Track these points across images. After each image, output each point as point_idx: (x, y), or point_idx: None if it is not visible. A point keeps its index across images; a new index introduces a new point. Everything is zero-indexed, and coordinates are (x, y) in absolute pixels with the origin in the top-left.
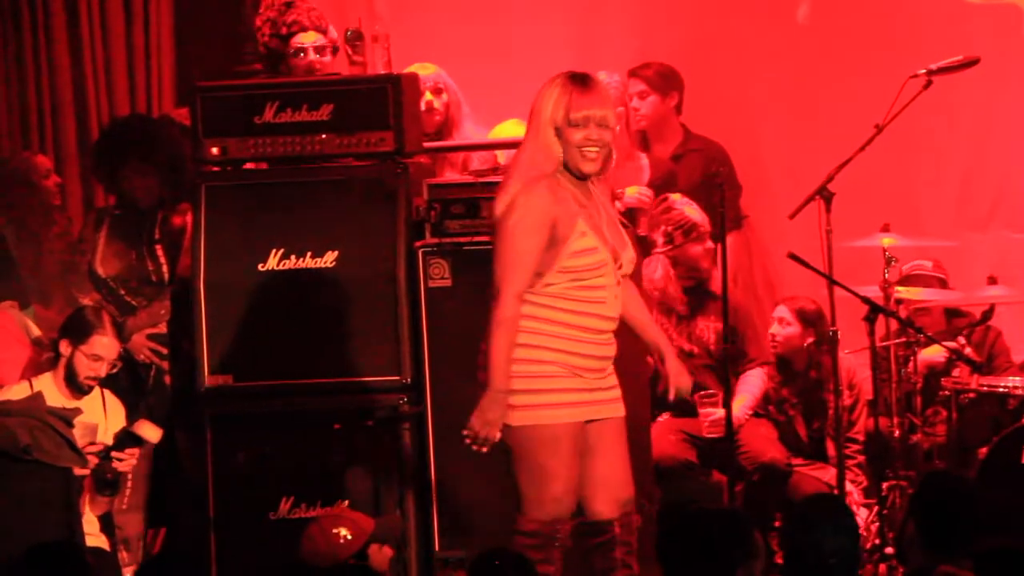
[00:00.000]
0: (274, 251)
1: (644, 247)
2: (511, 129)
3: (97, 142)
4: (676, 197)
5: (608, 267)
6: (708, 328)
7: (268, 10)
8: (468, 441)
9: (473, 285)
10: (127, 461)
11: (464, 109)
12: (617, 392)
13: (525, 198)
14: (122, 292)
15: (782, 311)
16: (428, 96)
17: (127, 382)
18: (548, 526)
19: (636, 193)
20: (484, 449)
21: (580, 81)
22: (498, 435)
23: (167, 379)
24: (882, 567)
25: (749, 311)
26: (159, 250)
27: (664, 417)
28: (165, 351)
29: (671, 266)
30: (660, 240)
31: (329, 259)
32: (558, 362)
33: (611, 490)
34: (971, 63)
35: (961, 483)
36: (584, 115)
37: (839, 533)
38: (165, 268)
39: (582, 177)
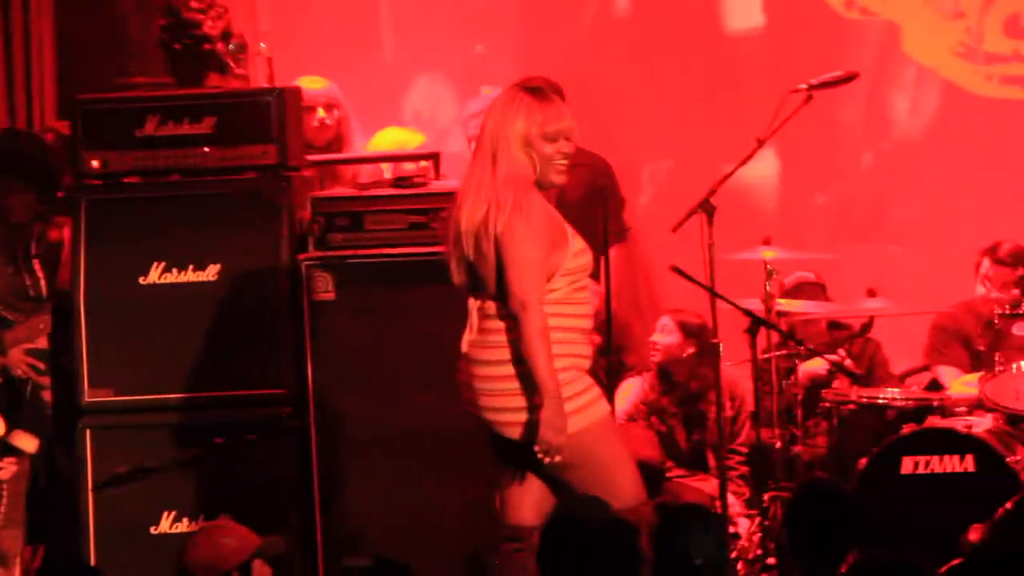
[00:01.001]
0: (156, 264)
1: None
2: (392, 135)
3: None
4: None
5: None
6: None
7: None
8: (542, 455)
9: (357, 298)
10: (4, 470)
11: (353, 124)
12: None
13: (527, 206)
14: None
15: (665, 320)
16: (320, 112)
17: (4, 397)
18: (634, 512)
19: None
20: (558, 458)
21: (543, 95)
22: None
23: (45, 394)
24: None
25: (628, 323)
26: (36, 265)
27: None
28: (43, 366)
29: None
30: None
31: (211, 272)
32: (573, 367)
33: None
34: (850, 78)
35: (835, 491)
36: (556, 128)
37: (706, 535)
38: (43, 283)
39: (547, 189)
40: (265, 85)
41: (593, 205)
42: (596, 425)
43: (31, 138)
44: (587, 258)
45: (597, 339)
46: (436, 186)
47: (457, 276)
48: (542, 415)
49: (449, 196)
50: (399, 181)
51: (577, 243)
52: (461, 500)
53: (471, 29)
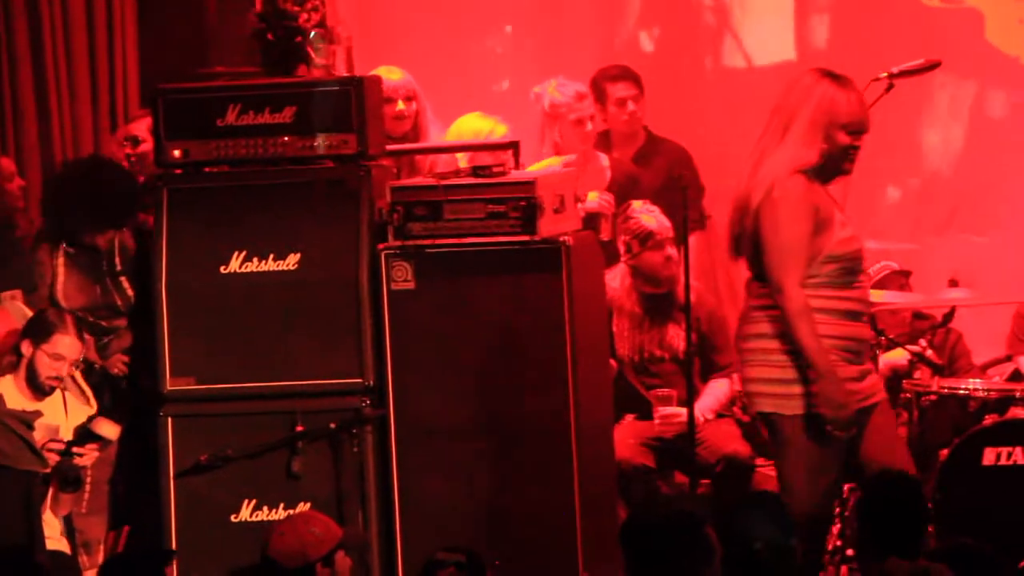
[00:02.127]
0: (236, 253)
1: (608, 253)
2: (471, 123)
3: (45, 190)
4: (636, 205)
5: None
6: (679, 336)
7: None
8: (833, 431)
9: (436, 288)
10: (87, 456)
11: (430, 116)
12: None
13: (789, 188)
14: (91, 319)
15: None
16: (400, 105)
17: (103, 392)
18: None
19: (597, 198)
20: (853, 431)
21: (846, 84)
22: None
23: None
24: (843, 569)
25: (723, 319)
26: (124, 281)
27: (627, 420)
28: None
29: (630, 275)
30: (622, 249)
31: (291, 262)
32: (841, 350)
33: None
34: (932, 66)
35: (906, 481)
36: (856, 120)
37: (769, 522)
38: (134, 298)
39: (833, 179)
40: (345, 74)
41: (671, 194)
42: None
43: (109, 174)
44: (856, 246)
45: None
46: (515, 175)
47: (735, 248)
48: (818, 392)
49: (528, 185)
50: (478, 170)
51: (846, 230)
52: (538, 492)
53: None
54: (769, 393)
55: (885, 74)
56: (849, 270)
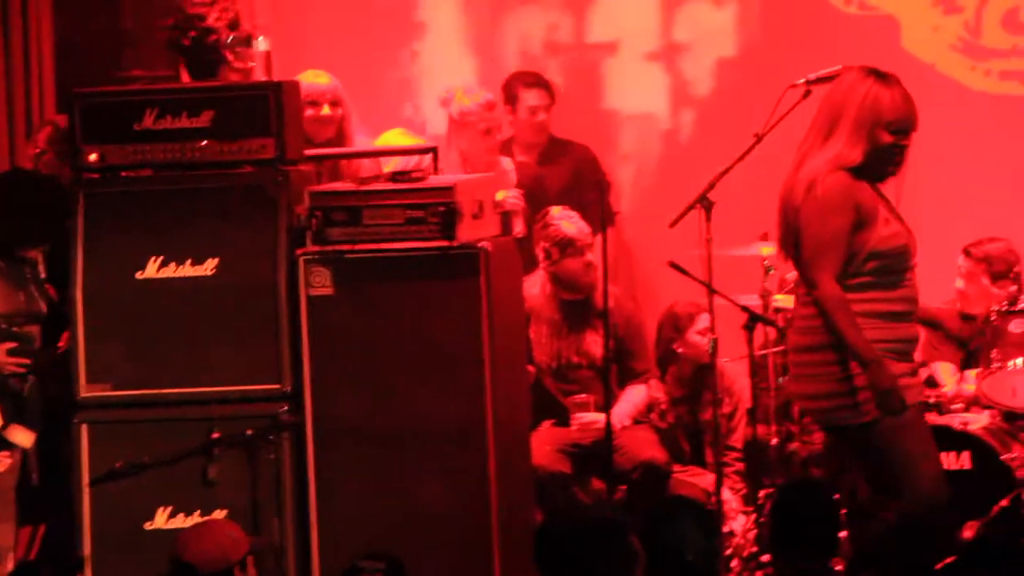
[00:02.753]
0: (153, 259)
1: (523, 250)
2: (395, 139)
3: None
4: (555, 211)
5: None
6: (596, 342)
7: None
8: (884, 414)
9: (354, 293)
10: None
11: (354, 121)
12: None
13: (828, 185)
14: (9, 327)
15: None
16: (326, 109)
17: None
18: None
19: (506, 196)
20: (907, 411)
21: (892, 84)
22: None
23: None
24: (759, 574)
25: (640, 325)
26: (50, 290)
27: (545, 426)
28: (27, 361)
29: (549, 282)
30: (541, 256)
31: (209, 267)
32: (884, 352)
33: None
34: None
35: (816, 486)
36: (901, 120)
37: (696, 529)
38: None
39: (881, 178)
40: (264, 79)
41: (579, 194)
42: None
43: (31, 184)
44: (900, 241)
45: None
46: (434, 181)
47: (783, 249)
48: (869, 380)
49: (447, 191)
50: (397, 176)
51: (890, 228)
52: (455, 498)
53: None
54: (841, 406)
55: (803, 80)
56: (894, 268)
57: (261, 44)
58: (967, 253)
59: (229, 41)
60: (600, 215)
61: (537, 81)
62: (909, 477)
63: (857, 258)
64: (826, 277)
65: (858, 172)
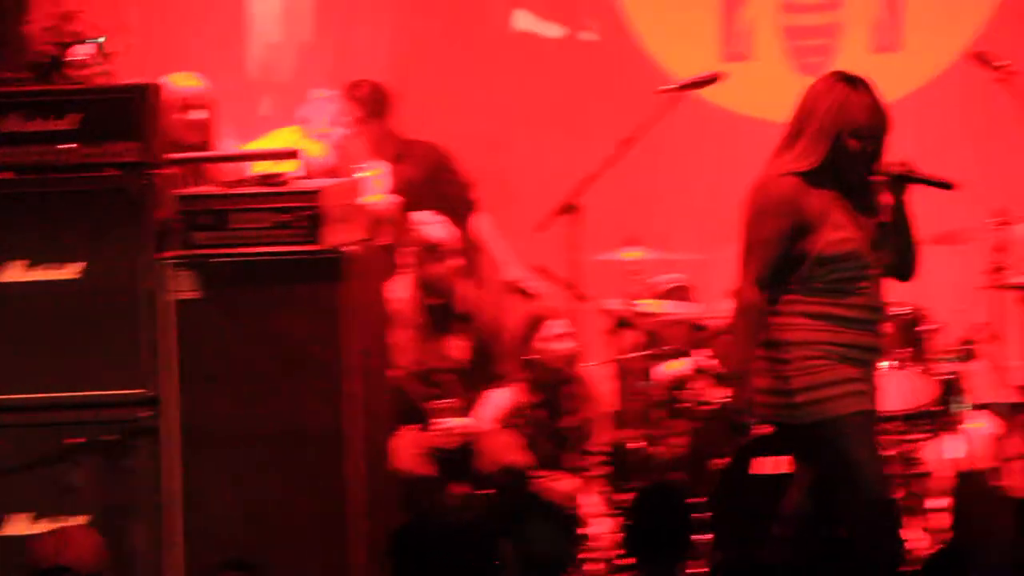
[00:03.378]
0: (16, 262)
1: (391, 256)
2: (287, 137)
3: None
4: (421, 216)
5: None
6: (458, 345)
7: (45, 19)
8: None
9: (220, 297)
10: None
11: (223, 125)
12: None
13: (766, 189)
14: None
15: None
16: (196, 113)
17: None
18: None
19: (383, 200)
20: (743, 435)
21: (859, 88)
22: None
23: None
24: None
25: (501, 327)
26: None
27: (408, 430)
28: None
29: (414, 286)
30: (406, 260)
31: (73, 270)
32: (828, 356)
33: None
34: (714, 79)
35: (670, 489)
36: (870, 127)
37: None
38: None
39: (846, 181)
40: (130, 82)
41: (433, 188)
42: (838, 420)
43: None
44: (847, 248)
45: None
46: (300, 185)
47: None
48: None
49: (313, 195)
50: (264, 179)
51: (839, 233)
52: (317, 501)
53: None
54: (782, 404)
55: (671, 86)
56: (845, 274)
57: (127, 46)
58: None
59: (99, 43)
60: (453, 210)
61: (347, 93)
62: (850, 482)
63: (806, 262)
64: (746, 278)
65: (814, 176)
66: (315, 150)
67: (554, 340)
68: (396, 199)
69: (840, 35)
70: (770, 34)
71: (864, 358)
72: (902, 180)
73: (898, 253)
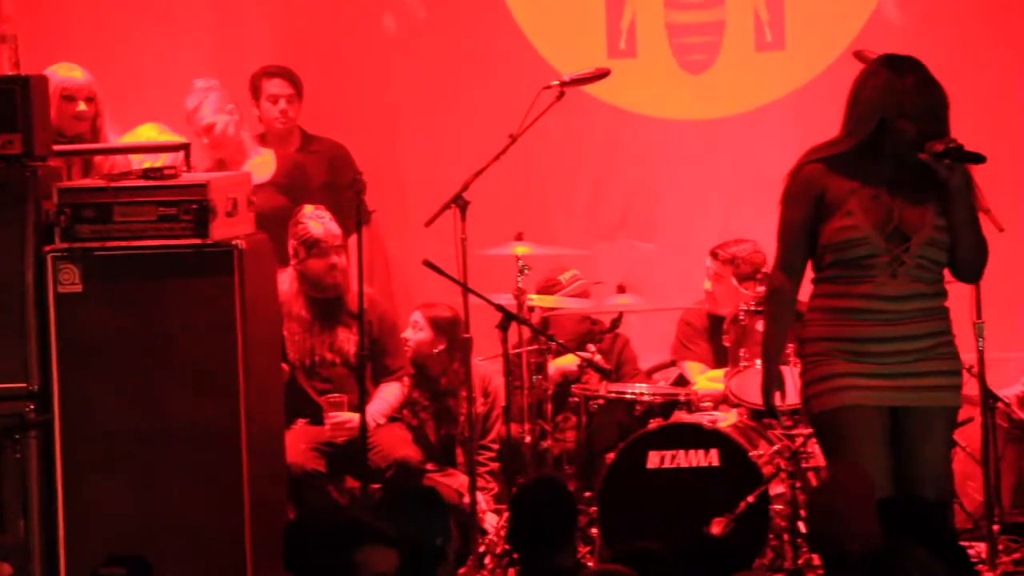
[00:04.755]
0: None
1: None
2: (147, 133)
3: None
4: (307, 210)
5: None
6: (350, 340)
7: None
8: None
9: (105, 291)
10: None
11: (106, 117)
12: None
13: (795, 171)
14: None
15: (416, 316)
16: (81, 105)
17: None
18: None
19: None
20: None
21: (911, 74)
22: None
23: None
24: (510, 571)
25: (394, 323)
26: None
27: (299, 424)
28: None
29: (297, 280)
30: (290, 253)
31: None
32: (830, 351)
33: None
34: (602, 75)
35: (553, 481)
36: (916, 109)
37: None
38: None
39: (904, 167)
40: (11, 73)
41: (332, 192)
42: (828, 414)
43: None
44: (852, 235)
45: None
46: (187, 178)
47: None
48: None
49: (201, 188)
50: (149, 173)
51: (847, 220)
52: (208, 496)
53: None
54: (804, 396)
55: (556, 82)
56: (851, 263)
57: (8, 38)
58: (714, 255)
59: None
60: (352, 217)
61: (279, 71)
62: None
63: (820, 251)
64: (775, 263)
65: (845, 162)
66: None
67: (420, 331)
68: (284, 187)
69: (723, 33)
70: (654, 31)
71: (864, 350)
72: (941, 157)
73: (957, 249)
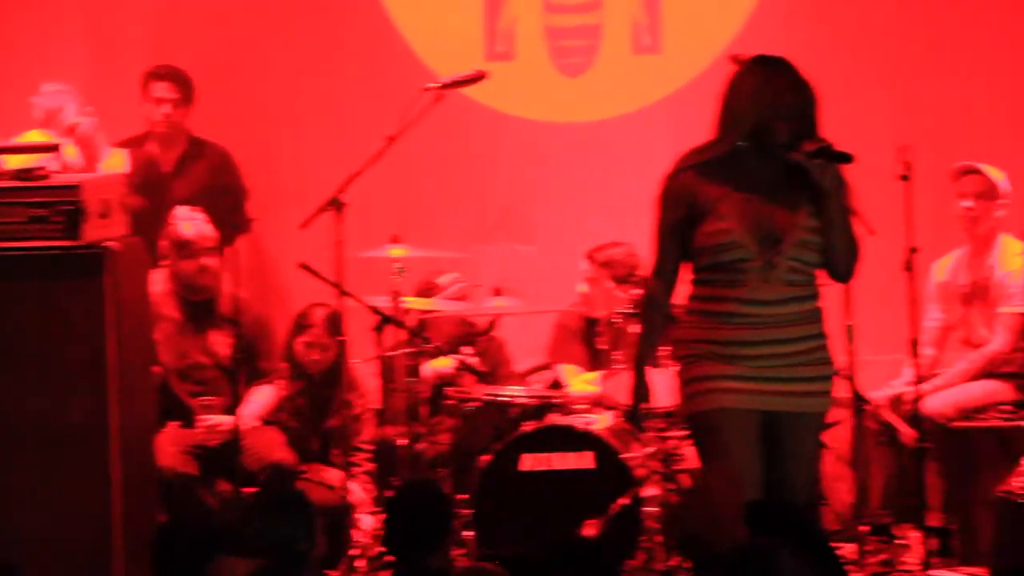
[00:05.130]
0: None
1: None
2: (32, 139)
3: None
4: (180, 211)
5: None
6: (222, 342)
7: None
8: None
9: None
10: None
11: None
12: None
13: (670, 173)
14: None
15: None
16: None
17: None
18: None
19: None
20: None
21: (781, 73)
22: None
23: None
24: (385, 573)
25: (267, 325)
26: None
27: (170, 427)
28: None
29: (169, 280)
30: (161, 254)
31: None
32: (700, 353)
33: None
34: (480, 78)
35: (427, 484)
36: (789, 109)
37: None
38: None
39: (779, 167)
40: None
41: (212, 198)
42: (699, 416)
43: None
44: (722, 239)
45: None
46: (59, 179)
47: None
48: None
49: (73, 190)
50: (20, 173)
51: (719, 224)
52: (78, 500)
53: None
54: (687, 395)
55: (434, 84)
56: (723, 266)
57: None
58: (590, 258)
59: None
60: (225, 224)
61: (167, 74)
62: (704, 476)
63: (695, 254)
64: (651, 269)
65: (716, 166)
66: (69, 151)
67: (320, 337)
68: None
69: (601, 36)
70: (533, 34)
71: (735, 353)
72: (813, 157)
73: (829, 250)
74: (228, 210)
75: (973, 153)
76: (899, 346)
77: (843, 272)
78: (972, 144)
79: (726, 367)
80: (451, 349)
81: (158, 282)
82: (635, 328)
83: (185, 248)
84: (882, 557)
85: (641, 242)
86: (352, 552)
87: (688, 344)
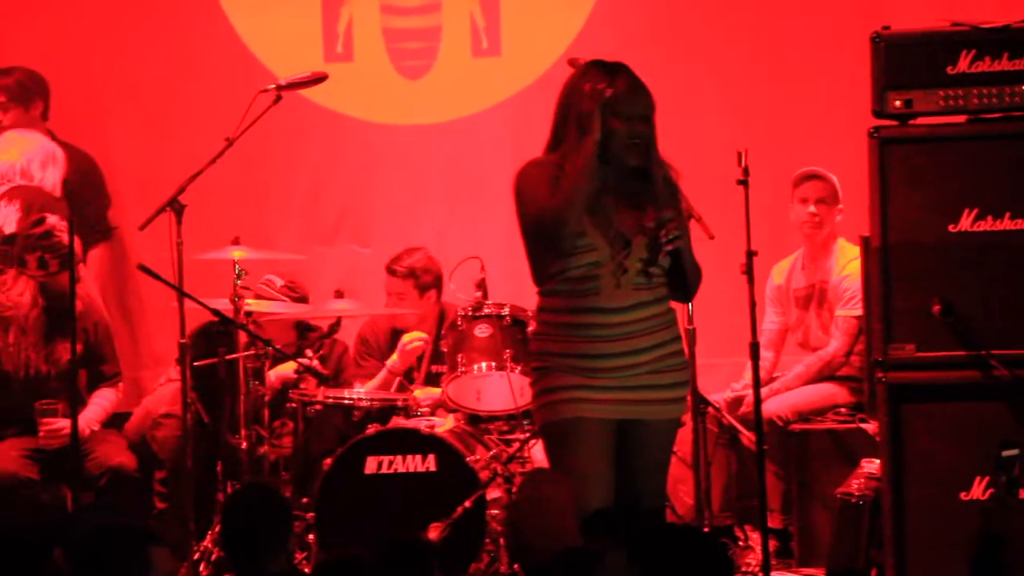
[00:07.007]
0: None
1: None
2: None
3: None
4: (55, 222)
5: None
6: (65, 347)
7: None
8: None
9: None
10: None
11: None
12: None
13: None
14: None
15: None
16: None
17: None
18: None
19: None
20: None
21: (624, 78)
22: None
23: None
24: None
25: (109, 329)
26: None
27: (11, 433)
28: None
29: (39, 292)
30: (33, 264)
31: None
32: (557, 365)
33: None
34: (319, 79)
35: (264, 488)
36: (626, 110)
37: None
38: None
39: (620, 171)
40: None
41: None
42: (555, 425)
43: None
44: (579, 241)
45: None
46: None
47: None
48: None
49: None
50: None
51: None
52: None
53: None
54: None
55: (273, 86)
56: (578, 272)
57: None
58: (391, 272)
59: None
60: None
61: None
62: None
63: (545, 263)
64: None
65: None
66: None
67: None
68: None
69: (440, 39)
70: (371, 36)
71: (599, 366)
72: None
73: (673, 273)
74: (92, 218)
75: (808, 158)
76: (740, 349)
77: (684, 296)
78: (807, 149)
79: (582, 379)
80: (294, 352)
81: (25, 293)
82: (477, 330)
83: (66, 260)
84: None
85: (481, 243)
86: (193, 557)
87: (544, 356)
